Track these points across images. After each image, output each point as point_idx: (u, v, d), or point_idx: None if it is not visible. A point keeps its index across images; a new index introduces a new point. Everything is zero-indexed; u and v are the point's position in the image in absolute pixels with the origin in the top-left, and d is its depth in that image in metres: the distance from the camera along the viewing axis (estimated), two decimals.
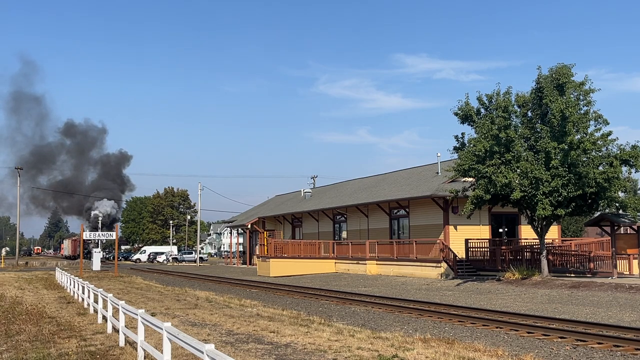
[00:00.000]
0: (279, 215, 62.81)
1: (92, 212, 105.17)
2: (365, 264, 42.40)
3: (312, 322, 16.55)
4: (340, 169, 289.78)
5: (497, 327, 16.35)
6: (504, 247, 36.14)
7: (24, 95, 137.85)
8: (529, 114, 30.68)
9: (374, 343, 12.77)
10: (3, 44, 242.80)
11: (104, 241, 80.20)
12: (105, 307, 15.78)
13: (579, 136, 28.17)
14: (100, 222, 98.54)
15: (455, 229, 38.23)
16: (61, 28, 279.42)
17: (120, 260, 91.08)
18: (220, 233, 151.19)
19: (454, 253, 36.01)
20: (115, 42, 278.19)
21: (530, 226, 32.40)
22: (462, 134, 32.11)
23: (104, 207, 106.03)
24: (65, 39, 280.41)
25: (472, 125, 31.27)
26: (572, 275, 31.47)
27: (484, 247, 37.06)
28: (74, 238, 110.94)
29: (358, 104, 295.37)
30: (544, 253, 30.93)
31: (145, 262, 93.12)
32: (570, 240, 41.20)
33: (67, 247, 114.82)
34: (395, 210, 44.23)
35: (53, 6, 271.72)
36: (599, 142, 28.14)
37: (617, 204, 28.49)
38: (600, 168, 27.91)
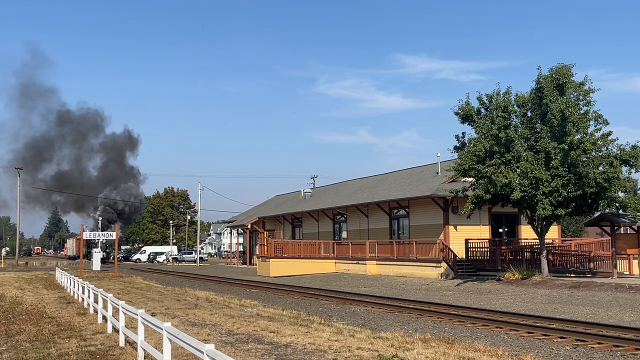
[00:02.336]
0: (279, 215, 62.81)
1: (102, 207, 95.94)
2: (365, 264, 42.40)
3: (312, 322, 16.55)
4: (340, 169, 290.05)
5: (497, 327, 16.35)
6: (504, 247, 36.14)
7: (35, 86, 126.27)
8: (529, 114, 30.70)
9: (374, 343, 12.77)
10: (7, 38, 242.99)
11: (104, 241, 79.30)
12: (105, 307, 15.78)
13: (579, 136, 28.17)
14: (110, 215, 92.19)
15: (455, 229, 38.23)
16: (60, 24, 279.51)
17: (121, 260, 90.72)
18: (220, 233, 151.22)
19: (454, 253, 36.01)
20: (114, 41, 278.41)
21: (530, 226, 32.40)
22: (462, 133, 32.19)
23: (124, 192, 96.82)
24: (63, 36, 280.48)
25: (472, 125, 31.29)
26: (572, 275, 31.47)
27: (484, 247, 37.06)
28: (78, 237, 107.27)
29: (358, 104, 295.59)
30: (544, 253, 30.94)
31: (145, 262, 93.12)
32: (570, 240, 41.20)
33: (70, 246, 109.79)
34: (395, 210, 44.24)
35: (54, 3, 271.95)
36: (599, 142, 28.15)
37: (617, 204, 28.49)
38: (600, 168, 27.91)
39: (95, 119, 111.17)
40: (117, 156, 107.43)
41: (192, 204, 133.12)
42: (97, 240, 74.39)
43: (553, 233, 38.86)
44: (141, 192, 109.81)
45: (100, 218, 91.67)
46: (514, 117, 30.62)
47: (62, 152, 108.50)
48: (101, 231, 79.96)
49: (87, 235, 54.21)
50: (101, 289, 17.31)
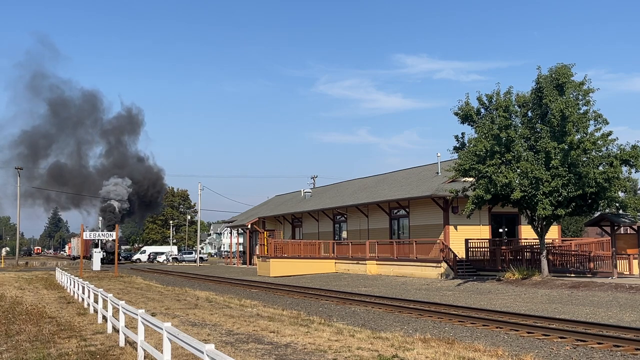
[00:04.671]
0: (279, 215, 62.80)
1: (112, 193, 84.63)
2: (365, 264, 42.38)
3: (312, 322, 16.55)
4: (340, 169, 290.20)
5: (497, 327, 16.34)
6: (504, 247, 36.12)
7: (44, 78, 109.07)
8: (529, 114, 30.68)
9: (374, 343, 12.76)
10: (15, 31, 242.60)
11: (105, 241, 77.07)
12: (105, 307, 15.77)
13: (579, 136, 28.18)
14: (115, 212, 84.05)
15: (455, 229, 38.21)
16: (59, 21, 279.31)
17: (122, 261, 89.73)
18: (220, 233, 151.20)
19: (454, 253, 36.00)
20: (112, 40, 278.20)
21: (530, 226, 32.38)
22: (462, 133, 32.17)
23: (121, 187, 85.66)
24: (62, 32, 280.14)
25: (472, 125, 31.29)
26: (572, 275, 31.46)
27: (484, 247, 37.05)
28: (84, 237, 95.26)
29: (358, 104, 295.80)
30: (544, 253, 30.93)
31: (145, 262, 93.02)
32: (570, 240, 41.17)
33: (75, 246, 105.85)
34: (395, 210, 44.23)
35: (57, 2, 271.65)
36: (599, 142, 28.14)
37: (617, 204, 28.48)
38: (600, 168, 27.91)
39: (92, 102, 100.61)
40: (121, 140, 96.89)
41: (192, 204, 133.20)
42: (103, 240, 71.67)
43: (553, 233, 38.85)
44: (162, 178, 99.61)
45: (101, 218, 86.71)
46: (514, 117, 30.62)
47: (58, 141, 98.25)
48: (106, 227, 78.76)
49: (87, 235, 54.18)
50: (101, 289, 17.30)
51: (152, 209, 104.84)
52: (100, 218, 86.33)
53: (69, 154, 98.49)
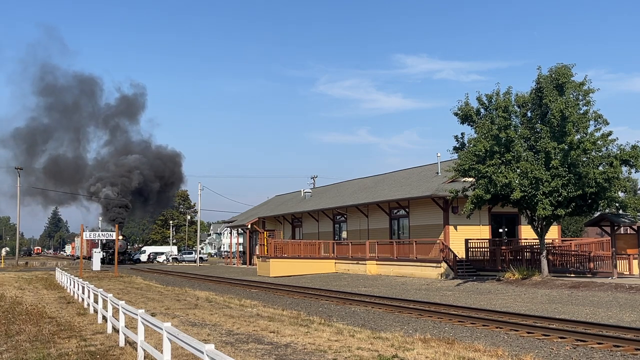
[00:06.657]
0: (279, 215, 62.79)
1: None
2: (365, 264, 42.38)
3: (312, 322, 16.54)
4: (340, 169, 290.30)
5: (497, 327, 16.34)
6: (504, 247, 36.11)
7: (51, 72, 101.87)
8: (529, 114, 30.69)
9: (374, 343, 12.76)
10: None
11: (104, 241, 74.93)
12: (105, 307, 15.77)
13: (578, 136, 28.19)
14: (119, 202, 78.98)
15: (455, 229, 38.20)
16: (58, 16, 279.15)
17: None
18: (220, 233, 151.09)
19: (454, 253, 35.99)
20: (112, 39, 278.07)
21: (530, 226, 32.38)
22: (462, 134, 32.19)
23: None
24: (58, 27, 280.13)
25: (472, 126, 31.29)
26: (572, 275, 31.47)
27: (484, 247, 37.04)
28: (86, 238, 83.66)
29: (358, 104, 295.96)
30: (544, 253, 30.92)
31: (145, 262, 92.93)
32: (570, 240, 41.17)
33: (79, 246, 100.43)
34: (395, 210, 44.22)
35: None
36: (598, 142, 28.14)
37: (617, 204, 28.48)
38: (600, 168, 27.91)
39: (90, 88, 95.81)
40: (121, 125, 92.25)
41: (192, 204, 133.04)
42: (103, 240, 69.47)
43: (553, 233, 38.84)
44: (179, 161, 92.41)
45: (107, 202, 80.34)
46: (514, 117, 30.62)
47: (56, 132, 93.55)
48: (110, 219, 77.44)
49: (86, 235, 54.16)
50: (101, 289, 17.29)
51: (165, 202, 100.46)
52: (102, 222, 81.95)
53: (69, 142, 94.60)
